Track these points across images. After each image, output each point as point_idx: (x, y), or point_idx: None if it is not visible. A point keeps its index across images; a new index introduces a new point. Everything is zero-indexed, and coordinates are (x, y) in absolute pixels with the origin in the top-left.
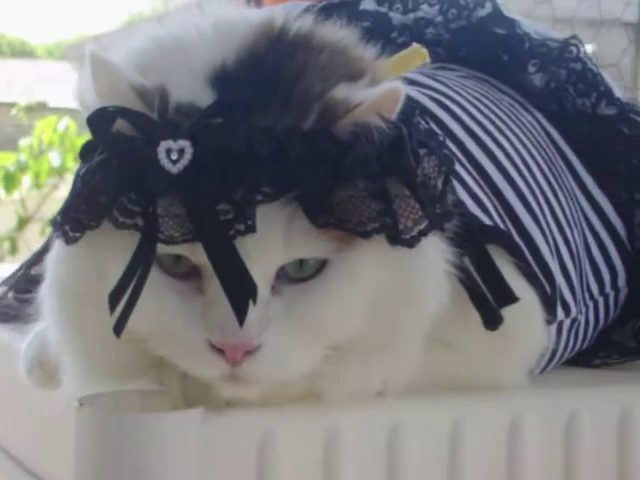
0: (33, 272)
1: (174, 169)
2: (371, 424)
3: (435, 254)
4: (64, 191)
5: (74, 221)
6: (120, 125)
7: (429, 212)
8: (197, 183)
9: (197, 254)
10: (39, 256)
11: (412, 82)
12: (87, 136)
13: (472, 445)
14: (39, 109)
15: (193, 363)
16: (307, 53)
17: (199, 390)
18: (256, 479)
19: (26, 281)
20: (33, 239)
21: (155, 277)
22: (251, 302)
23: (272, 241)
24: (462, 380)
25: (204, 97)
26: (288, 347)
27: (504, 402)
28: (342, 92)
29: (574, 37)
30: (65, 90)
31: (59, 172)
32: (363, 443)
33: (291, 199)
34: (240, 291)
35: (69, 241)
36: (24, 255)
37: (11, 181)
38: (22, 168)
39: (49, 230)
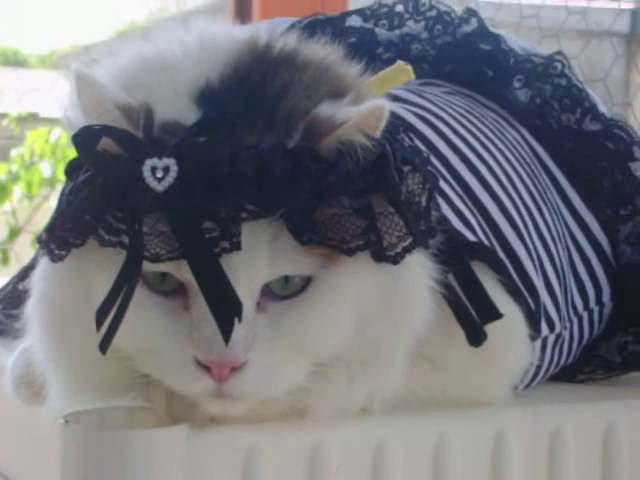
0: (21, 287)
1: (159, 187)
2: (356, 440)
3: (419, 271)
4: (55, 202)
5: (59, 239)
6: (105, 143)
7: (413, 229)
8: (182, 201)
9: (183, 271)
10: (27, 271)
11: (397, 98)
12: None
13: (457, 461)
14: (30, 119)
15: (179, 380)
16: (291, 71)
17: (184, 407)
18: None
19: (14, 297)
20: (24, 250)
21: (141, 295)
22: (236, 319)
23: (257, 258)
24: (447, 396)
25: (189, 115)
26: (274, 364)
27: (488, 418)
28: (326, 110)
29: (559, 53)
30: (57, 100)
31: (50, 183)
32: (348, 459)
33: (276, 217)
34: (225, 309)
35: (55, 259)
36: (15, 266)
37: (2, 192)
38: (13, 179)
39: None
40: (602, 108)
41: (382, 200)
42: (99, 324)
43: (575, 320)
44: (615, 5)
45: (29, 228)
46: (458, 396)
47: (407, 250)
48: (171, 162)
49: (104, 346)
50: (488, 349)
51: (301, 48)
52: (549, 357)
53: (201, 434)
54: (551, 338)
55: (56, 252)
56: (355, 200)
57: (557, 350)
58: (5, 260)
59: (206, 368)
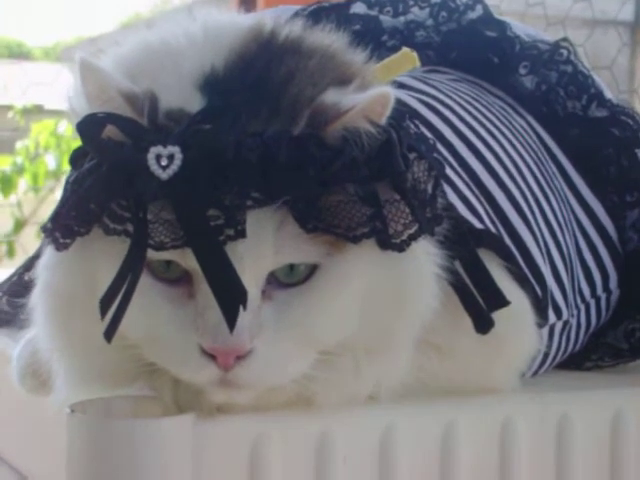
0: (27, 277)
1: (164, 175)
2: (363, 428)
3: (425, 258)
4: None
5: (64, 228)
6: (110, 131)
7: (419, 216)
8: (187, 189)
9: (187, 259)
10: (33, 261)
11: (402, 85)
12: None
13: (464, 449)
14: (35, 112)
15: (185, 368)
16: (296, 58)
17: (191, 396)
18: None
19: (20, 286)
20: (30, 242)
21: (146, 283)
22: (242, 307)
23: (262, 246)
24: (454, 384)
25: (193, 102)
26: (279, 352)
27: (496, 406)
28: (332, 97)
29: (565, 39)
30: (61, 92)
31: (55, 175)
32: (355, 447)
33: (281, 204)
34: (230, 296)
35: (59, 247)
36: (21, 258)
37: (8, 184)
38: (19, 171)
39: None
40: (608, 94)
41: (388, 187)
42: (104, 312)
43: (582, 307)
44: None
45: (34, 220)
46: (465, 383)
47: (413, 237)
48: (176, 150)
49: (109, 334)
50: (495, 336)
51: (306, 35)
52: (556, 344)
53: (207, 423)
54: (558, 325)
55: (61, 241)
56: (360, 187)
57: (564, 337)
58: (11, 252)
59: (211, 356)
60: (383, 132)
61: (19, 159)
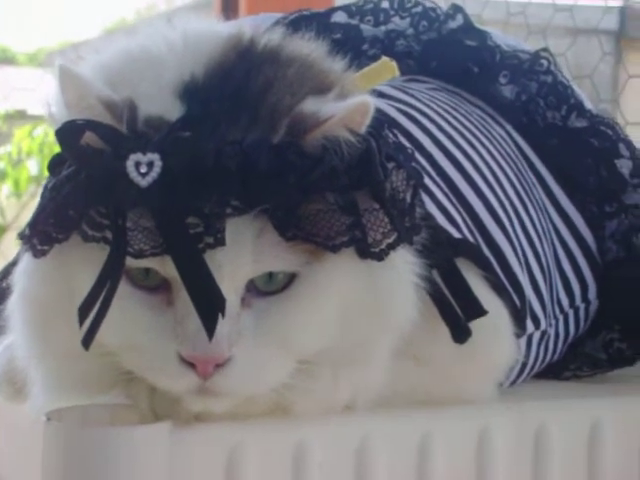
0: (4, 284)
1: (143, 182)
2: (339, 438)
3: (404, 267)
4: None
5: (42, 234)
6: (89, 138)
7: (398, 225)
8: (166, 196)
9: (166, 267)
10: (10, 268)
11: (381, 94)
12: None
13: (441, 459)
14: (18, 117)
15: (163, 377)
16: (275, 67)
17: (168, 404)
18: None
19: None
20: (11, 248)
21: (124, 290)
22: (221, 315)
23: (241, 254)
24: (431, 393)
25: (173, 110)
26: (258, 360)
27: (473, 415)
28: (311, 106)
29: (545, 49)
30: (44, 98)
31: (38, 180)
32: (331, 456)
33: (260, 212)
34: (209, 304)
35: (37, 254)
36: (2, 263)
37: None
38: (1, 176)
39: None
40: (588, 105)
41: (366, 196)
42: (82, 320)
43: (561, 317)
44: (602, 3)
45: (17, 226)
46: (442, 393)
47: (392, 247)
48: (155, 157)
49: (87, 342)
50: (472, 346)
51: (285, 44)
52: (534, 354)
53: (184, 431)
54: (536, 335)
55: (38, 247)
56: (340, 196)
57: (542, 347)
58: None
59: (190, 364)
60: (363, 141)
61: (1, 164)
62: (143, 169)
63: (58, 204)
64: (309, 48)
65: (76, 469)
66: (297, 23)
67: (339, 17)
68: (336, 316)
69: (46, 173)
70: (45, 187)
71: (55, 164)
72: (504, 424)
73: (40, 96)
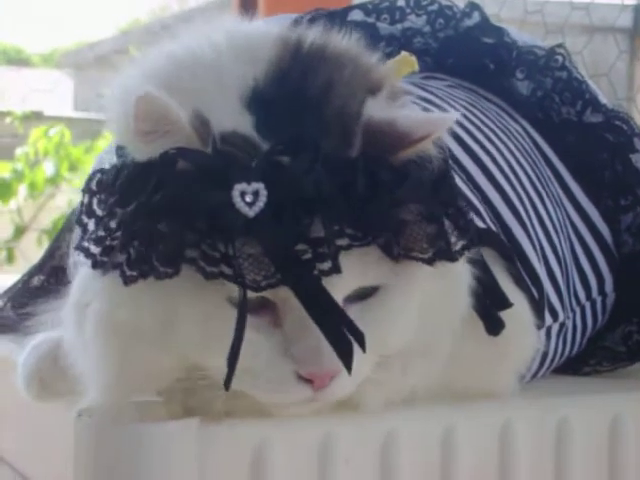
0: (31, 285)
1: (251, 212)
2: (365, 432)
3: (462, 266)
4: (60, 200)
5: (139, 263)
6: (182, 165)
7: (470, 227)
8: (275, 225)
9: (278, 293)
10: (39, 268)
11: (406, 91)
12: (82, 145)
13: (464, 453)
14: (34, 118)
15: (279, 394)
16: (330, 66)
17: (199, 399)
18: None
19: (24, 293)
20: (29, 248)
21: (231, 315)
22: (361, 349)
23: (349, 273)
24: (455, 388)
25: (244, 122)
26: (358, 364)
27: (495, 410)
28: (377, 112)
29: (560, 46)
30: (61, 98)
31: (54, 181)
32: (357, 451)
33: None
34: (342, 340)
35: (127, 281)
36: (20, 264)
37: (7, 190)
38: (18, 177)
39: (45, 239)
40: (603, 100)
41: (439, 202)
42: (232, 368)
43: (578, 310)
44: (618, 1)
45: (34, 226)
46: (466, 387)
47: (466, 247)
48: (260, 186)
49: (229, 383)
50: (495, 338)
51: (329, 41)
52: (553, 346)
53: (212, 428)
54: (555, 327)
55: (129, 274)
56: (424, 206)
57: (561, 340)
58: (10, 258)
59: (306, 380)
60: (443, 152)
61: (19, 166)
62: (249, 199)
63: (155, 235)
64: (350, 44)
65: (106, 464)
66: (314, 22)
67: (356, 15)
68: (416, 314)
69: (63, 173)
70: (115, 205)
71: (128, 182)
72: (526, 419)
73: (56, 96)
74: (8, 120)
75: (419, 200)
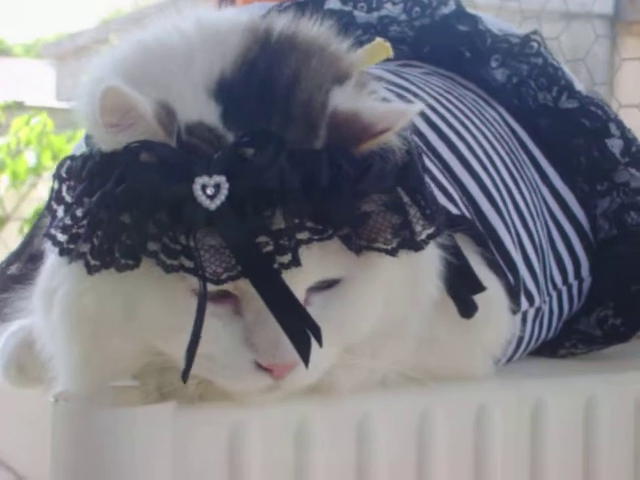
0: (9, 272)
1: (212, 205)
2: (340, 416)
3: (430, 248)
4: (42, 190)
5: (102, 254)
6: (145, 157)
7: (436, 216)
8: (236, 218)
9: (238, 285)
10: (17, 256)
11: (377, 78)
12: (64, 135)
13: (440, 435)
14: (16, 108)
15: (239, 382)
16: (297, 56)
17: (173, 384)
18: (228, 471)
19: (3, 281)
20: (12, 238)
21: (192, 302)
22: (318, 344)
23: (310, 266)
24: (430, 370)
25: (210, 113)
26: (320, 354)
27: (471, 392)
28: (342, 102)
29: (535, 32)
30: (42, 88)
31: (36, 171)
32: (333, 436)
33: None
34: (299, 332)
35: (91, 271)
36: (3, 253)
37: None
38: (0, 167)
39: (28, 229)
40: (578, 86)
41: (404, 192)
42: (190, 360)
43: (554, 294)
44: None
45: (16, 216)
46: (441, 370)
47: (432, 237)
48: (221, 180)
49: (186, 376)
50: (470, 322)
51: (299, 30)
52: (529, 331)
53: (188, 411)
54: (531, 312)
55: (93, 264)
56: (387, 196)
57: (537, 324)
58: None
59: (266, 369)
60: (407, 143)
61: (0, 155)
62: (210, 192)
63: (118, 226)
64: (320, 32)
65: (83, 448)
66: (290, 11)
67: (333, 4)
68: (381, 301)
69: (45, 163)
70: (81, 196)
71: (93, 174)
72: (502, 401)
73: (38, 86)
74: None
75: (382, 191)
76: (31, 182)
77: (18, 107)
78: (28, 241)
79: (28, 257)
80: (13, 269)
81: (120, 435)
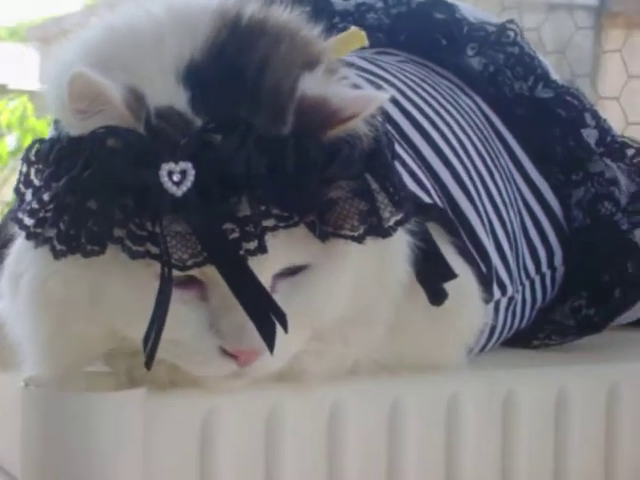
0: None
1: (178, 192)
2: (311, 403)
3: (398, 234)
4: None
5: (67, 239)
6: (111, 143)
7: (404, 202)
8: (202, 204)
9: (204, 271)
10: None
11: (351, 66)
12: (46, 118)
13: (411, 425)
14: None
15: (204, 368)
16: (266, 41)
17: (144, 370)
18: (199, 457)
19: None
20: None
21: (156, 287)
22: (283, 330)
23: (276, 253)
24: (402, 359)
25: (179, 98)
26: (287, 341)
27: (442, 382)
28: (311, 85)
29: (511, 21)
30: (26, 72)
31: (17, 154)
32: (304, 422)
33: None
34: (264, 318)
35: (57, 255)
36: None
37: None
38: None
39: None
40: (554, 75)
41: (372, 178)
42: (147, 345)
43: (527, 283)
44: None
45: None
46: (413, 359)
47: (400, 223)
48: (188, 166)
49: (150, 363)
50: (442, 311)
51: (269, 15)
52: (502, 320)
53: (159, 397)
54: (503, 301)
55: (59, 248)
56: (355, 183)
57: (510, 313)
58: None
59: (231, 356)
60: (375, 130)
61: None
62: (176, 178)
63: (84, 212)
64: (291, 18)
65: (53, 433)
66: None
67: None
68: (349, 287)
69: (25, 147)
70: (48, 178)
71: (60, 157)
72: (473, 391)
73: (22, 70)
74: None
75: (350, 177)
76: (12, 166)
77: (0, 90)
78: (3, 225)
79: (4, 241)
80: None
81: (90, 420)
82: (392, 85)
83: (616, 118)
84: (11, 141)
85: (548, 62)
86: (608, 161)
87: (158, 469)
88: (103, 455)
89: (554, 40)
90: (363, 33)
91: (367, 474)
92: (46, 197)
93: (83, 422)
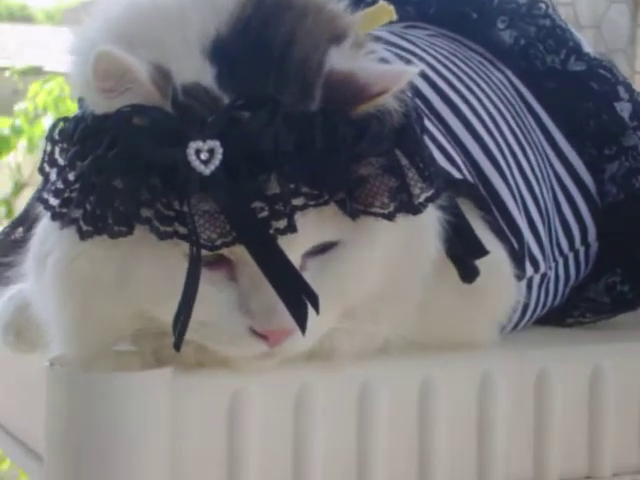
0: (14, 236)
1: (207, 170)
2: (342, 383)
3: (430, 212)
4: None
5: (94, 220)
6: (137, 121)
7: (435, 178)
8: (231, 183)
9: (233, 250)
10: (21, 220)
11: (379, 40)
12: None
13: (442, 404)
14: (34, 73)
15: (234, 348)
16: (292, 15)
17: (170, 350)
18: (226, 437)
19: (5, 245)
20: None
21: (185, 268)
22: (315, 311)
23: (306, 230)
24: (434, 338)
25: (205, 74)
26: (317, 320)
27: (474, 361)
28: (339, 60)
29: None
30: (62, 54)
31: None
32: (334, 402)
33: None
34: (296, 298)
35: (84, 236)
36: None
37: (5, 145)
38: (17, 132)
39: None
40: (587, 48)
41: (402, 154)
42: (177, 326)
43: (560, 260)
44: None
45: (33, 182)
46: (445, 337)
47: (430, 199)
48: (216, 144)
49: (179, 344)
50: (474, 288)
51: None
52: (535, 297)
53: (186, 377)
54: (536, 278)
55: (85, 229)
56: (385, 159)
57: (543, 290)
58: (10, 214)
59: (261, 336)
60: (405, 106)
61: (17, 121)
62: (204, 156)
63: (110, 192)
64: None
65: (79, 413)
66: None
67: None
68: (380, 263)
69: None
70: (73, 159)
71: (85, 137)
72: (506, 369)
73: (58, 52)
74: (7, 74)
75: (379, 154)
76: None
77: (35, 72)
78: (32, 205)
79: (32, 222)
80: (17, 233)
81: (116, 400)
82: (421, 59)
83: None
84: (47, 122)
85: (582, 37)
86: None
87: (185, 450)
88: (129, 435)
89: (589, 15)
90: (391, 7)
91: (397, 453)
92: (71, 177)
93: (109, 402)
